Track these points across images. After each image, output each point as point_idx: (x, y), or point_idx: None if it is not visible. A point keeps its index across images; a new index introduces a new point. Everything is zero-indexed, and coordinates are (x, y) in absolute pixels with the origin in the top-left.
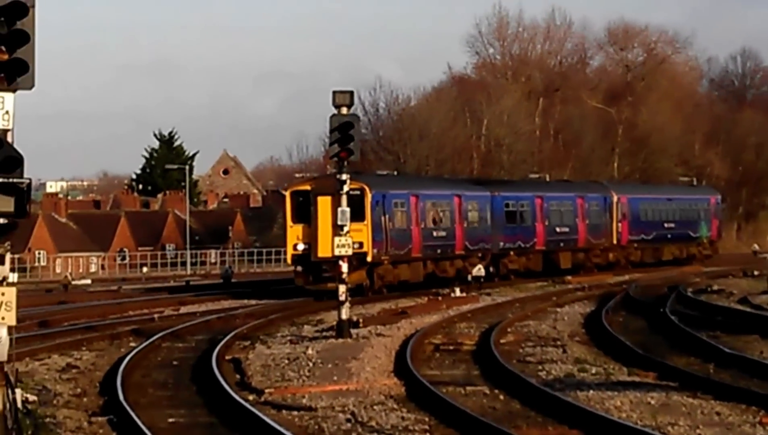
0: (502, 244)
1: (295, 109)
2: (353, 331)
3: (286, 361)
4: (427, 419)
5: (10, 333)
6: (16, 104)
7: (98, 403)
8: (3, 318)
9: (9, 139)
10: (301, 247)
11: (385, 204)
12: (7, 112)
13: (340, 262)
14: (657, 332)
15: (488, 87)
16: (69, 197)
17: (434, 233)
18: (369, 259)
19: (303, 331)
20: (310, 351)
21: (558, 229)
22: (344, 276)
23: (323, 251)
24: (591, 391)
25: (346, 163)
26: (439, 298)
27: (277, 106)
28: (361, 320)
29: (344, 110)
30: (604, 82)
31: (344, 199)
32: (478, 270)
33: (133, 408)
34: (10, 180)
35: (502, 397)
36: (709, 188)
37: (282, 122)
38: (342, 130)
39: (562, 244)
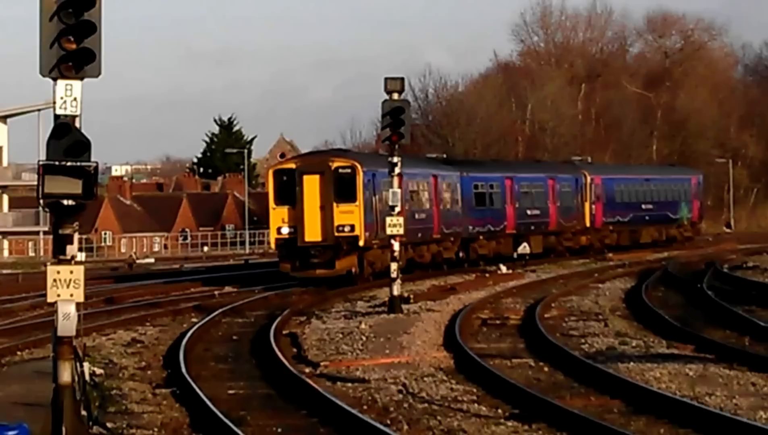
0: (471, 227)
1: (350, 94)
2: (404, 307)
3: (341, 336)
4: (475, 390)
5: (78, 309)
6: (83, 91)
7: (162, 376)
8: (72, 295)
9: (77, 125)
10: (285, 230)
11: (375, 183)
12: (75, 99)
13: (393, 241)
14: (695, 307)
15: (532, 73)
16: (133, 180)
17: (416, 216)
18: (361, 243)
19: (356, 307)
20: (363, 326)
21: (528, 212)
22: (396, 254)
23: (310, 235)
24: (631, 363)
25: (397, 146)
26: (486, 274)
27: (332, 91)
28: (411, 296)
29: (395, 96)
30: (644, 68)
31: (395, 181)
32: (524, 248)
33: (195, 380)
34: (78, 163)
35: (546, 368)
36: (689, 168)
37: (337, 107)
38: (393, 115)
39: (532, 228)
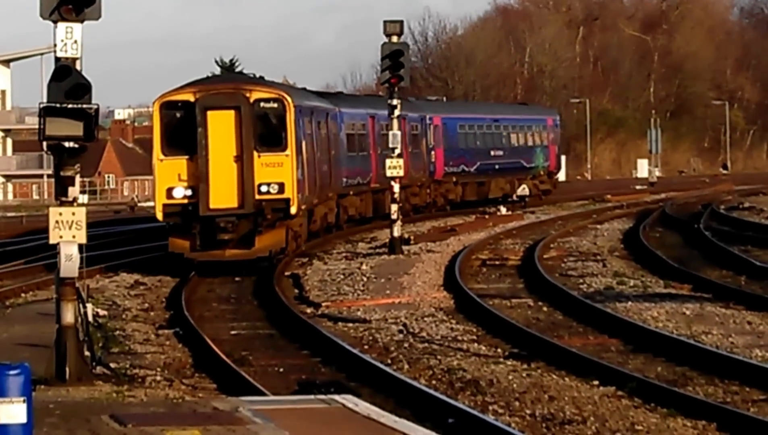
0: (345, 180)
1: (351, 38)
2: (405, 248)
3: (342, 277)
4: (474, 330)
5: (80, 251)
6: (83, 34)
7: (164, 317)
8: (74, 236)
9: (78, 67)
10: (180, 192)
11: (302, 124)
12: (75, 42)
13: (392, 183)
14: (692, 247)
15: (531, 16)
16: (136, 124)
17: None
18: (293, 209)
19: (357, 248)
20: (364, 267)
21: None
22: (396, 196)
23: (219, 199)
24: (629, 303)
25: (396, 89)
26: (486, 216)
27: (335, 36)
28: (412, 237)
29: (395, 39)
30: (641, 12)
31: (395, 123)
32: (522, 189)
33: (197, 321)
34: (79, 106)
35: (545, 308)
36: (543, 108)
37: (338, 51)
38: (393, 58)
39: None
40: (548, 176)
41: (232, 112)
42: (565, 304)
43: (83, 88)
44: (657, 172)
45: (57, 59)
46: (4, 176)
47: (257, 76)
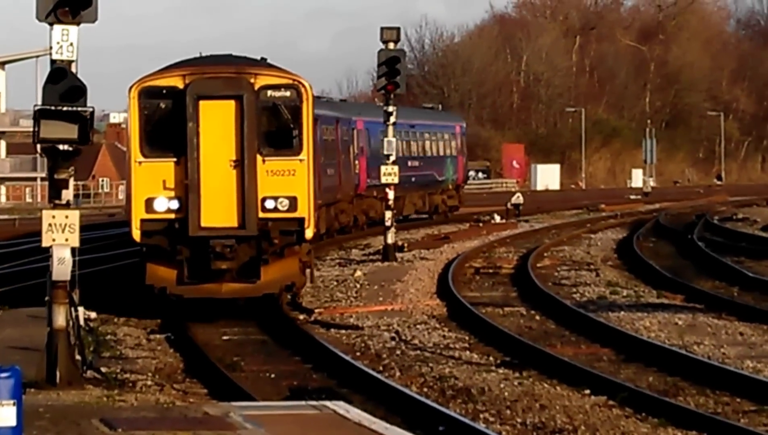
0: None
1: (346, 45)
2: (398, 255)
3: (335, 283)
4: (467, 338)
5: (73, 254)
6: (80, 37)
7: (157, 322)
8: (67, 239)
9: (73, 70)
10: (162, 205)
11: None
12: (71, 44)
13: (387, 190)
14: (685, 257)
15: (528, 25)
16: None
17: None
18: (308, 233)
19: (351, 255)
20: (357, 273)
21: (328, 171)
22: (390, 203)
23: (213, 216)
24: (622, 313)
25: (392, 96)
26: (480, 224)
27: (330, 42)
28: (406, 245)
29: (391, 45)
30: (637, 21)
31: (390, 130)
32: (517, 198)
33: (189, 326)
34: (74, 108)
35: (538, 317)
36: (450, 114)
37: (333, 57)
38: (389, 64)
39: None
40: (455, 190)
41: (231, 103)
42: (557, 313)
43: (79, 91)
44: (651, 182)
45: (52, 62)
46: None
47: (261, 58)
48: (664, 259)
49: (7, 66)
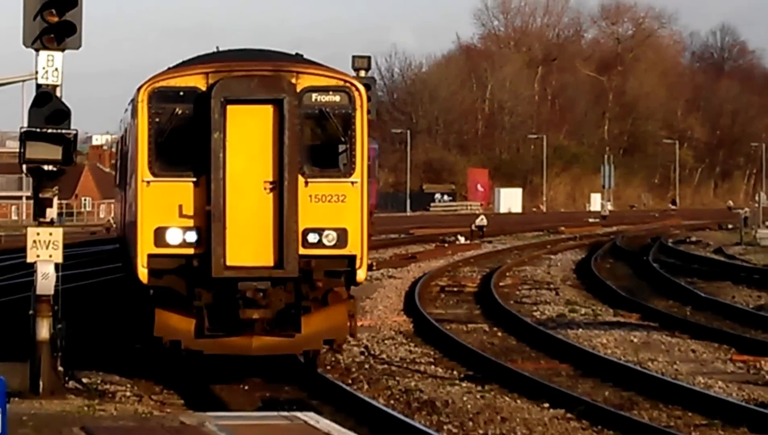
0: None
1: None
2: (367, 274)
3: None
4: (432, 353)
5: (57, 269)
6: (64, 62)
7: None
8: (51, 255)
9: (58, 94)
10: (176, 237)
11: None
12: (56, 69)
13: None
14: (641, 278)
15: (492, 56)
16: (113, 149)
17: None
18: (361, 275)
19: None
20: None
21: None
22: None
23: (242, 253)
24: (580, 330)
25: None
26: (446, 244)
27: None
28: (374, 264)
29: (362, 73)
30: (597, 53)
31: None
32: (481, 220)
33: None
34: (58, 131)
35: (500, 333)
36: None
37: None
38: None
39: None
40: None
41: (268, 109)
42: (518, 329)
43: (63, 114)
44: (609, 206)
45: (38, 86)
46: None
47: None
48: (620, 279)
49: None
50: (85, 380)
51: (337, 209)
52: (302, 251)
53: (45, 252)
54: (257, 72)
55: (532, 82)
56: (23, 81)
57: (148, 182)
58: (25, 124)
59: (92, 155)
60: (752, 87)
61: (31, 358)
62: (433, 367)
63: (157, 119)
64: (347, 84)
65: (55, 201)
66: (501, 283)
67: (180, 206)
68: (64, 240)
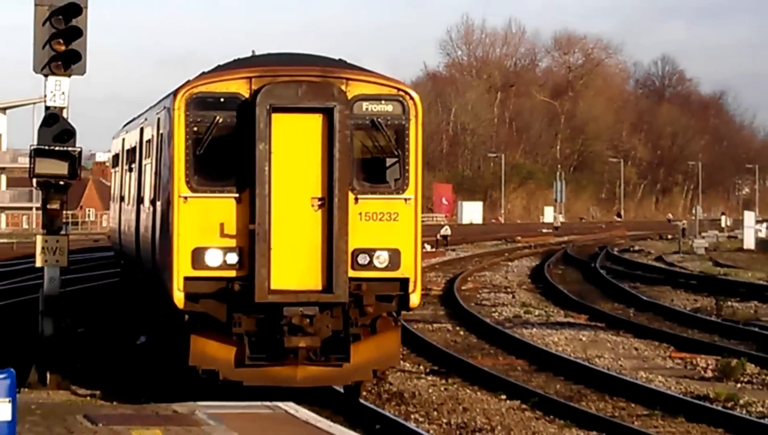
0: None
1: None
2: None
3: None
4: (401, 349)
5: (62, 273)
6: (70, 87)
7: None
8: (57, 260)
9: (65, 115)
10: (217, 258)
11: None
12: (63, 93)
13: None
14: (589, 283)
15: (456, 82)
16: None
17: None
18: (414, 299)
19: None
20: None
21: None
22: None
23: (289, 275)
24: (534, 329)
25: None
26: None
27: None
28: None
29: None
30: (550, 80)
31: None
32: (445, 230)
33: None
34: (65, 148)
35: (462, 332)
36: None
37: None
38: None
39: None
40: None
41: (317, 118)
42: (479, 329)
43: (69, 134)
44: (561, 218)
45: (47, 108)
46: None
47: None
48: (571, 284)
49: (8, 111)
50: (88, 374)
51: (388, 228)
52: (351, 274)
53: (52, 257)
54: (304, 77)
55: (492, 106)
56: (34, 103)
57: (186, 198)
58: (35, 142)
59: (96, 170)
60: (690, 111)
61: (39, 352)
62: (401, 362)
63: (195, 128)
64: (401, 92)
65: (62, 211)
66: (463, 287)
67: (221, 225)
68: (69, 247)
